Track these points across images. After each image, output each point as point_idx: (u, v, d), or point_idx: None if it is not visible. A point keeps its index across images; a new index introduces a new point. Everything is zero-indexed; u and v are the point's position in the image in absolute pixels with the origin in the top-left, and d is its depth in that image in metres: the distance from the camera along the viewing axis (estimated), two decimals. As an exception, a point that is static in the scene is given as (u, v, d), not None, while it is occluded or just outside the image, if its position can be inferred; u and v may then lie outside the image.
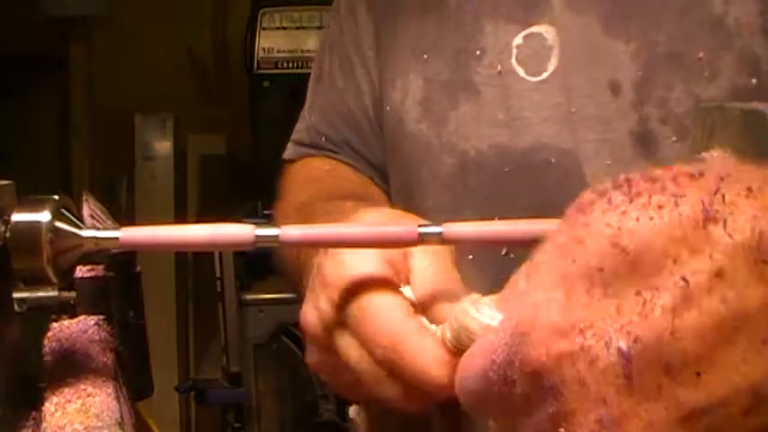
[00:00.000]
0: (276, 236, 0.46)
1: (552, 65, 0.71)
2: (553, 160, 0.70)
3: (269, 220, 2.12)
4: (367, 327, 0.49)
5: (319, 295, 0.53)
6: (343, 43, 0.89)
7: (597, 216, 0.36)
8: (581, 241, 0.36)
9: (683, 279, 0.33)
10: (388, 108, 0.82)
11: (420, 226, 0.48)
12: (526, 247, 0.46)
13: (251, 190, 2.35)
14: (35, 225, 0.45)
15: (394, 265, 0.51)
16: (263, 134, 2.33)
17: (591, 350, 0.34)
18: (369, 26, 0.86)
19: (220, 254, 2.06)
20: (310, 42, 2.31)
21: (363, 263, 0.51)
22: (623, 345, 0.33)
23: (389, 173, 0.85)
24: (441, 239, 0.47)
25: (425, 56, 0.78)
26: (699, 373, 0.33)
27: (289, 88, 2.26)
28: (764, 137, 0.43)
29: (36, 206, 0.46)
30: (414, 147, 0.79)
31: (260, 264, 2.19)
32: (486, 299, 0.43)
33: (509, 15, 0.74)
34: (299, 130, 0.95)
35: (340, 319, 0.51)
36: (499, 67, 0.74)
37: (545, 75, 0.72)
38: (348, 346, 0.51)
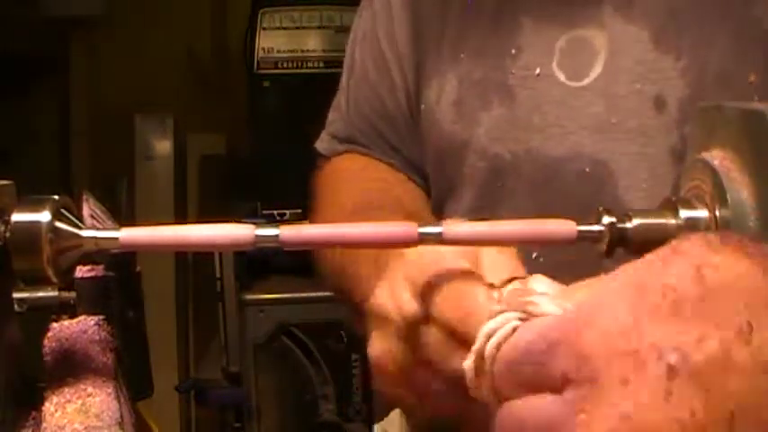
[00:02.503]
0: (276, 236, 0.46)
1: (596, 71, 0.69)
2: (587, 170, 0.68)
3: (269, 220, 2.13)
4: (456, 314, 0.47)
5: (400, 290, 0.50)
6: (375, 36, 0.87)
7: (690, 246, 0.37)
8: (667, 262, 0.37)
9: (749, 325, 0.35)
10: (423, 107, 0.81)
11: (420, 226, 0.48)
12: (527, 247, 0.46)
13: (251, 190, 2.35)
14: (35, 225, 0.45)
15: (472, 260, 0.49)
16: (262, 134, 2.33)
17: (642, 356, 0.36)
18: (404, 21, 0.84)
19: (220, 254, 2.06)
20: (310, 42, 2.31)
21: (448, 257, 0.49)
22: (673, 360, 0.35)
23: (428, 171, 0.83)
24: (440, 240, 0.47)
25: (462, 55, 0.77)
26: (732, 415, 0.34)
27: (289, 88, 2.26)
28: (764, 137, 0.43)
29: (36, 206, 0.46)
30: (450, 148, 0.77)
31: (260, 264, 2.19)
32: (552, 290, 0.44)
33: (552, 15, 0.72)
34: (334, 121, 0.93)
35: (426, 312, 0.49)
36: (538, 70, 0.71)
37: (586, 81, 0.70)
38: (436, 341, 0.48)
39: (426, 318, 0.49)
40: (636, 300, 0.37)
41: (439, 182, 0.80)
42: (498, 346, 0.42)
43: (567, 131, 0.70)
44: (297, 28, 2.34)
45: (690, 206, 0.47)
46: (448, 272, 0.48)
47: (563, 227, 0.46)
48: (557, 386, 0.38)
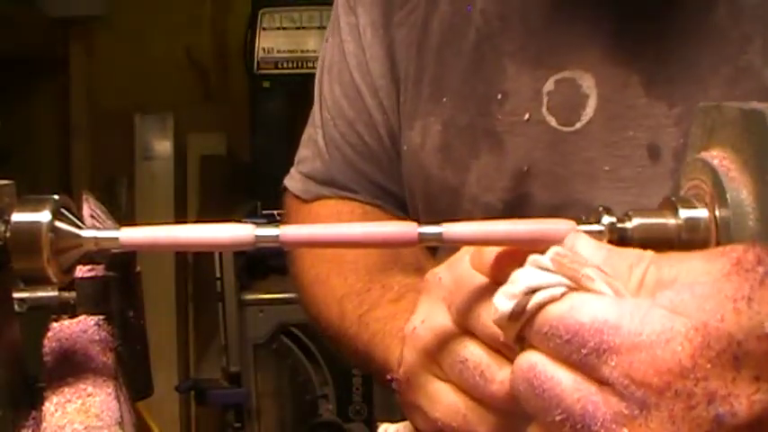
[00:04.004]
0: (276, 236, 0.46)
1: (587, 115, 0.67)
2: (583, 218, 0.67)
3: (269, 220, 2.13)
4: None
5: (432, 308, 0.49)
6: (345, 68, 0.83)
7: (762, 299, 0.37)
8: (739, 312, 0.37)
9: None
10: (405, 147, 0.78)
11: (420, 226, 0.47)
12: (526, 247, 0.46)
13: (251, 190, 2.35)
14: (35, 225, 0.45)
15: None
16: (263, 134, 2.33)
17: (694, 399, 0.37)
18: (378, 52, 0.80)
19: (220, 254, 2.06)
20: (310, 42, 2.31)
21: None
22: (722, 411, 0.37)
23: (411, 211, 0.80)
24: (440, 239, 0.47)
25: (444, 99, 0.74)
26: None
27: (289, 88, 2.27)
28: (764, 137, 0.43)
29: (36, 206, 0.46)
30: (440, 194, 0.75)
31: (260, 264, 2.19)
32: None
33: (536, 57, 0.69)
34: (307, 159, 0.87)
35: (465, 329, 0.48)
36: (527, 116, 0.69)
37: (578, 125, 0.68)
38: (477, 356, 0.47)
39: (465, 334, 0.48)
40: (700, 344, 0.37)
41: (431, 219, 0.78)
42: (541, 306, 0.42)
43: (560, 178, 0.68)
44: (297, 28, 2.34)
45: (690, 206, 0.47)
46: (486, 286, 0.47)
47: (563, 227, 0.46)
48: (595, 378, 0.39)
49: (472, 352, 0.47)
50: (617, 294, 0.41)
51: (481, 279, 0.47)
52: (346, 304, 0.73)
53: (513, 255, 0.45)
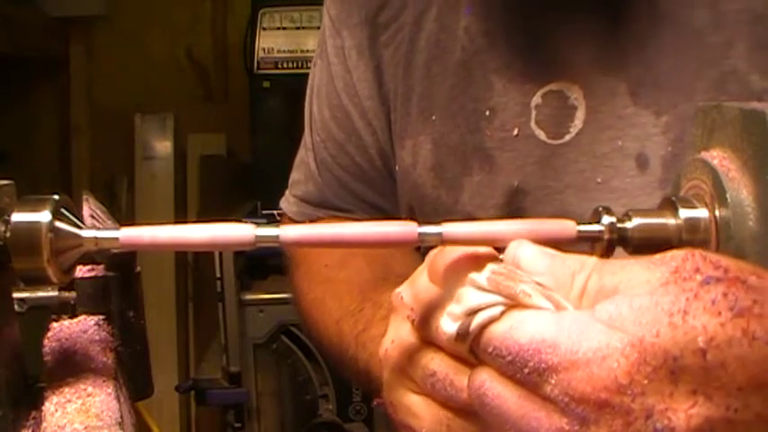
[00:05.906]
0: (276, 236, 0.46)
1: (576, 127, 0.67)
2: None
3: (269, 220, 2.12)
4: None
5: (399, 327, 0.50)
6: (333, 90, 0.83)
7: (698, 311, 0.37)
8: (674, 326, 0.37)
9: (737, 408, 0.37)
10: (398, 168, 0.78)
11: (419, 225, 0.47)
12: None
13: (251, 190, 2.34)
14: (35, 225, 0.45)
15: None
16: (262, 134, 2.33)
17: (632, 414, 0.37)
18: (365, 73, 0.80)
19: (220, 254, 2.06)
20: (310, 42, 2.31)
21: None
22: (660, 426, 0.37)
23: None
24: (440, 240, 0.47)
25: (433, 117, 0.74)
26: None
27: (289, 88, 2.26)
28: (764, 137, 0.43)
29: (36, 206, 0.46)
30: (435, 213, 0.75)
31: (260, 264, 2.19)
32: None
33: (523, 72, 0.69)
34: (299, 182, 0.89)
35: (429, 342, 0.48)
36: (516, 131, 0.69)
37: (568, 137, 0.67)
38: (443, 367, 0.47)
39: (429, 347, 0.48)
40: (636, 360, 0.37)
41: None
42: (483, 326, 0.42)
43: (552, 192, 0.68)
44: (297, 28, 2.34)
45: (690, 205, 0.47)
46: (440, 297, 0.47)
47: (563, 227, 0.46)
48: (539, 395, 0.40)
49: (439, 364, 0.47)
50: (557, 307, 0.41)
51: (437, 291, 0.47)
52: (343, 326, 0.73)
53: (462, 263, 0.45)
